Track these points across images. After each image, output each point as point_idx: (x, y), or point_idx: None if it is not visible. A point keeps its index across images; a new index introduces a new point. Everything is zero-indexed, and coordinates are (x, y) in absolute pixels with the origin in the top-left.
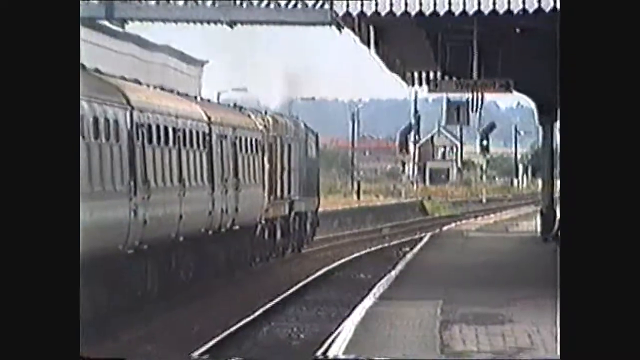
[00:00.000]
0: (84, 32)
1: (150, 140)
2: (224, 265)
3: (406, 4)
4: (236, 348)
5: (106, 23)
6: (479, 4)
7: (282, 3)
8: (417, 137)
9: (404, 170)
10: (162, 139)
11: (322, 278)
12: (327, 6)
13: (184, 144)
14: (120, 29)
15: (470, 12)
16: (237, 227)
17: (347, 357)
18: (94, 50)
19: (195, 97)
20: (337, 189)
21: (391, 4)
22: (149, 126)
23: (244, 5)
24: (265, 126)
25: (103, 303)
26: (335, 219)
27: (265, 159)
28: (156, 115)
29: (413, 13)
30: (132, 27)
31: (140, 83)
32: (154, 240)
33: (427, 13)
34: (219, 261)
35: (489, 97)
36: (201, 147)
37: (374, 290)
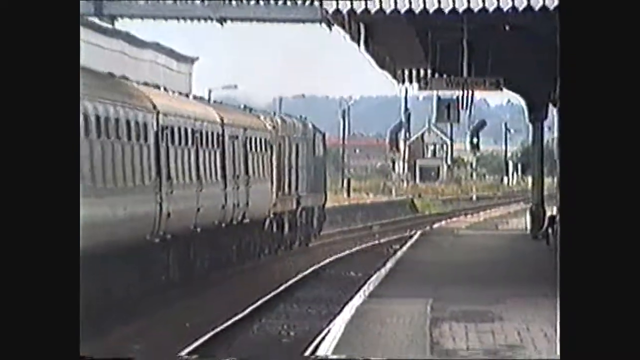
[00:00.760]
0: None
1: (172, 141)
2: (236, 256)
3: (396, 2)
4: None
5: (95, 20)
6: (469, 1)
7: (272, 0)
8: (407, 134)
9: (394, 168)
10: (183, 139)
11: (313, 275)
12: (317, 3)
13: (201, 144)
14: (109, 26)
15: (460, 10)
16: (247, 220)
17: (338, 357)
18: (83, 47)
19: (209, 100)
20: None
21: (381, 2)
22: (172, 128)
23: (234, 2)
24: (274, 126)
25: (135, 286)
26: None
27: (274, 157)
28: (177, 118)
29: (403, 11)
30: (121, 24)
31: (159, 88)
32: (176, 231)
33: (417, 11)
34: (231, 252)
35: (479, 94)
36: (215, 147)
37: (364, 288)
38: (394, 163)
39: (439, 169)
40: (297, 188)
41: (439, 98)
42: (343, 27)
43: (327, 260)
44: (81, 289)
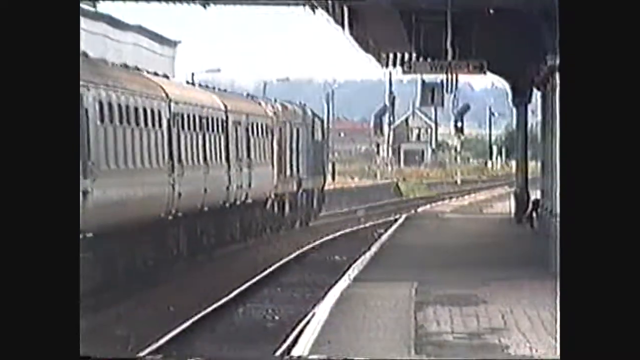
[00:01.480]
0: None
1: (182, 127)
2: (239, 233)
3: None
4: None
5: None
6: None
7: None
8: (391, 118)
9: (378, 152)
10: (191, 125)
11: (297, 260)
12: None
13: (207, 129)
14: (91, 9)
15: None
16: (250, 200)
17: (319, 357)
18: None
19: (214, 88)
20: None
21: None
22: (182, 115)
23: None
24: (274, 113)
25: (150, 258)
26: None
27: (275, 141)
28: (187, 106)
29: None
30: (103, 7)
31: (168, 77)
32: (186, 210)
33: None
34: (235, 229)
35: (463, 78)
36: (220, 132)
37: (349, 272)
38: (378, 147)
39: (423, 152)
40: (297, 171)
41: (423, 82)
42: (327, 11)
43: (309, 246)
44: (103, 260)
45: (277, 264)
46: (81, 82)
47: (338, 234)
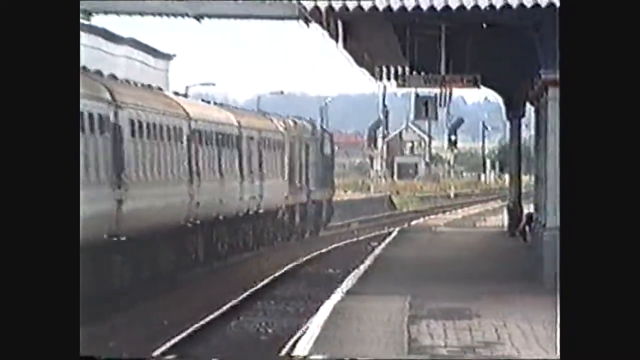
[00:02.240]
0: None
1: (200, 142)
2: (252, 241)
3: None
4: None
5: None
6: None
7: None
8: (385, 132)
9: (372, 165)
10: (208, 141)
11: (291, 273)
12: (295, 1)
13: (223, 145)
14: (85, 22)
15: (438, 8)
16: (262, 210)
17: (320, 357)
18: None
19: (229, 106)
20: None
21: None
22: (200, 131)
23: None
24: (285, 128)
25: (171, 261)
26: None
27: (286, 155)
28: (204, 123)
29: (381, 8)
30: (97, 20)
31: (186, 96)
32: (203, 218)
33: (395, 8)
34: (248, 237)
35: (456, 92)
36: (234, 147)
37: (342, 285)
38: (372, 160)
39: (417, 166)
40: (307, 183)
41: (417, 95)
42: (321, 25)
43: (303, 259)
44: (132, 261)
45: (273, 275)
46: (115, 103)
47: (331, 247)
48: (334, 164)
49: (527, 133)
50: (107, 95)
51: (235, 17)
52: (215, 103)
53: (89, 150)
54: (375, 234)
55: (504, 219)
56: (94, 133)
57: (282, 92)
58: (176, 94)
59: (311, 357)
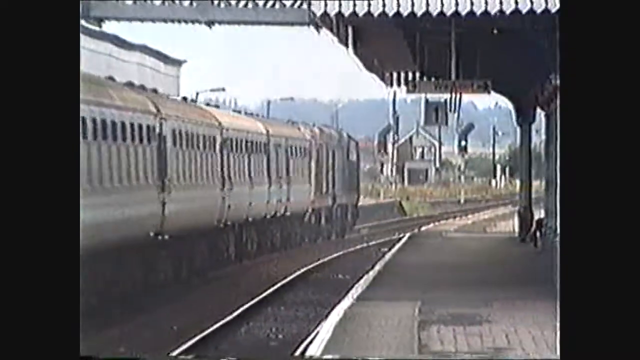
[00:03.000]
0: None
1: (231, 149)
2: (279, 242)
3: (384, 5)
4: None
5: (82, 22)
6: (457, 4)
7: (260, 3)
8: (395, 137)
9: (382, 171)
10: (239, 148)
11: (301, 278)
12: (305, 6)
13: (252, 151)
14: (96, 28)
15: (448, 13)
16: (288, 213)
17: (332, 357)
18: None
19: (258, 115)
20: None
21: (369, 5)
22: (231, 139)
23: (222, 4)
24: (312, 136)
25: (206, 259)
26: None
27: (312, 162)
28: (235, 132)
29: (391, 13)
30: (108, 27)
31: (218, 107)
32: (234, 219)
33: (405, 13)
34: (276, 238)
35: (467, 97)
36: (263, 154)
37: (353, 290)
38: (382, 166)
39: (427, 171)
40: (333, 188)
41: (427, 101)
42: (331, 30)
43: (315, 264)
44: (173, 258)
45: (286, 279)
46: (160, 115)
47: (340, 252)
48: (359, 169)
49: (538, 138)
50: (154, 109)
51: (246, 23)
52: (245, 113)
53: (139, 157)
54: (385, 240)
55: (514, 224)
56: (143, 142)
57: (292, 99)
58: (207, 104)
59: (320, 357)
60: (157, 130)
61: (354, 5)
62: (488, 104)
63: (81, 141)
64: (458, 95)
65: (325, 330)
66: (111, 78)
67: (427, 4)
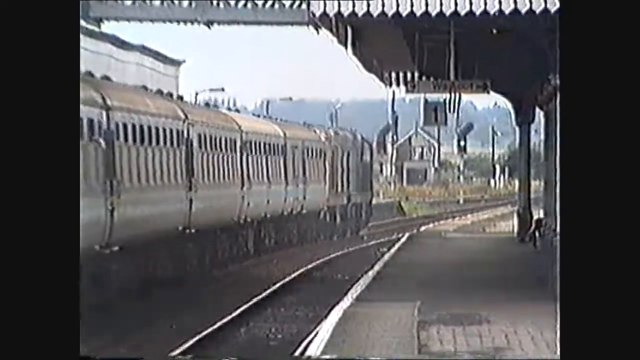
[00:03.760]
0: None
1: (251, 151)
2: (296, 238)
3: (383, 5)
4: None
5: (82, 22)
6: (456, 4)
7: (260, 3)
8: (394, 137)
9: (381, 171)
10: (257, 150)
11: (300, 278)
12: (304, 6)
13: (270, 153)
14: (96, 29)
15: (447, 13)
16: (304, 211)
17: (328, 357)
18: None
19: (277, 119)
20: None
21: (368, 5)
22: (251, 142)
23: (221, 5)
24: (327, 138)
25: (227, 252)
26: None
27: (327, 163)
28: (254, 135)
29: (390, 13)
30: (107, 27)
31: (238, 111)
32: (253, 216)
33: (404, 13)
34: (292, 235)
35: (466, 97)
36: (280, 155)
37: (352, 291)
38: (381, 166)
39: (426, 171)
40: (347, 187)
41: (426, 101)
42: (330, 30)
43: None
44: (198, 249)
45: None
46: (188, 121)
47: (340, 252)
48: (373, 170)
49: (537, 138)
50: (182, 115)
51: (245, 23)
52: (264, 117)
53: (170, 159)
54: (384, 240)
55: (513, 224)
56: (173, 146)
57: (290, 98)
58: (229, 109)
59: (319, 357)
60: (185, 134)
61: (353, 5)
62: (487, 104)
63: (122, 144)
64: (457, 95)
65: (325, 330)
66: (107, 77)
67: (426, 4)
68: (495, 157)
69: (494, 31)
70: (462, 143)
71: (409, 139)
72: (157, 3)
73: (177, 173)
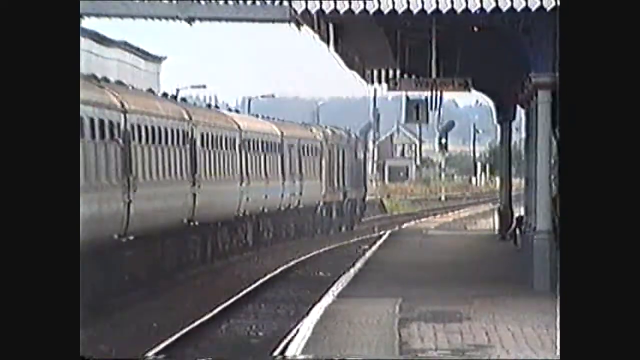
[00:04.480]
0: None
1: (249, 149)
2: (294, 232)
3: (365, 2)
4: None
5: None
6: (437, 3)
7: (241, 0)
8: (376, 135)
9: None
10: (256, 148)
11: (282, 276)
12: (286, 3)
13: (267, 151)
14: None
15: (429, 11)
16: (301, 206)
17: (313, 357)
18: None
19: (274, 119)
20: None
21: (350, 2)
22: (249, 140)
23: (203, 2)
24: (323, 137)
25: (227, 244)
26: None
27: (323, 160)
28: (253, 134)
29: (372, 11)
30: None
31: (238, 112)
32: (252, 211)
33: (386, 11)
34: (290, 229)
35: (448, 95)
36: (277, 153)
37: (333, 288)
38: None
39: (407, 169)
40: (343, 183)
41: (407, 98)
42: (312, 27)
43: (282, 268)
44: (202, 240)
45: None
46: (191, 122)
47: (322, 250)
48: (366, 167)
49: (518, 136)
50: (187, 116)
51: (227, 19)
52: (263, 117)
53: (176, 157)
54: (366, 237)
55: (494, 222)
56: (179, 145)
57: (273, 96)
58: (209, 106)
59: (300, 357)
60: (189, 134)
61: (335, 2)
62: (469, 102)
63: (137, 144)
64: (439, 93)
65: (306, 327)
66: (120, 82)
67: (408, 2)
68: (477, 154)
69: (476, 29)
70: (443, 141)
71: (391, 136)
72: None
73: (182, 170)
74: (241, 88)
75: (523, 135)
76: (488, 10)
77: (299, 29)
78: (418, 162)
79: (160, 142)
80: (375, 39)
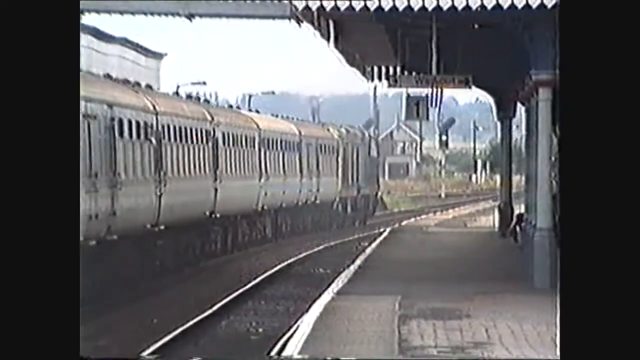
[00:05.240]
0: None
1: (268, 148)
2: (311, 226)
3: None
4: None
5: None
6: None
7: None
8: (376, 132)
9: None
10: (275, 146)
11: (282, 272)
12: (286, 1)
13: (286, 149)
14: None
15: (430, 8)
16: (318, 202)
17: (311, 357)
18: None
19: (293, 119)
20: None
21: None
22: (268, 139)
23: None
24: (339, 136)
25: (247, 236)
26: None
27: (340, 157)
28: (272, 133)
29: (372, 8)
30: (88, 19)
31: (258, 112)
32: (270, 205)
33: (387, 8)
34: (307, 223)
35: (448, 92)
36: (295, 151)
37: (333, 285)
38: None
39: (408, 166)
40: (357, 180)
41: (408, 96)
42: (312, 24)
43: (283, 264)
44: (222, 232)
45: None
46: (214, 122)
47: (322, 247)
48: (379, 164)
49: (518, 133)
50: (209, 117)
51: (227, 16)
52: (282, 117)
53: (200, 155)
54: (366, 234)
55: (494, 219)
56: (203, 143)
57: (273, 92)
58: (250, 110)
59: (296, 357)
60: (212, 133)
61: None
62: (469, 99)
63: (167, 142)
64: (439, 90)
65: (306, 323)
66: (150, 86)
67: None
68: (477, 152)
69: (476, 26)
70: (443, 138)
71: (391, 133)
72: None
73: (205, 166)
74: (241, 85)
75: (523, 132)
76: (489, 7)
77: (300, 25)
78: (418, 159)
79: (186, 141)
80: (375, 36)
